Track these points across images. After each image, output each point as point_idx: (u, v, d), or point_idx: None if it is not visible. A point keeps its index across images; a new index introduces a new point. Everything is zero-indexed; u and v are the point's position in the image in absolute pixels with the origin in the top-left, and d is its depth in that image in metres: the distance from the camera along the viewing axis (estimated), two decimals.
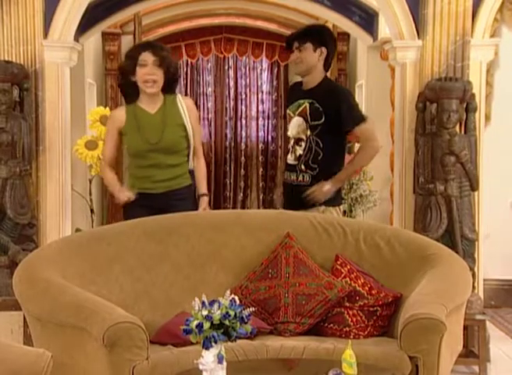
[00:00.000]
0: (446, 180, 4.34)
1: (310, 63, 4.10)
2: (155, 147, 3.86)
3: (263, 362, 2.89)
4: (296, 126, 4.11)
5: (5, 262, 4.29)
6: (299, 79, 4.32)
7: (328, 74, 4.34)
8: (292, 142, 4.13)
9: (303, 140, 4.07)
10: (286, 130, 4.31)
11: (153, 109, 3.91)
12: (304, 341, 3.07)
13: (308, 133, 4.06)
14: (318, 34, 4.15)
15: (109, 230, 3.61)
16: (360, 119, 4.08)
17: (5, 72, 4.28)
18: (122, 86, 3.99)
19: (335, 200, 4.14)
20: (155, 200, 3.87)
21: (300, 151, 4.08)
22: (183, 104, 3.99)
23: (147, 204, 3.83)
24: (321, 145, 4.04)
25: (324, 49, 4.11)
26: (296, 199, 4.09)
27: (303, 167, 4.08)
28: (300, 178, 4.09)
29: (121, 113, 3.94)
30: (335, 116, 4.02)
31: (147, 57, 3.83)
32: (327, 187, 4.01)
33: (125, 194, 3.82)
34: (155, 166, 3.90)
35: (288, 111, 4.22)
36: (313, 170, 4.06)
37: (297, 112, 4.11)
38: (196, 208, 3.99)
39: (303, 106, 4.09)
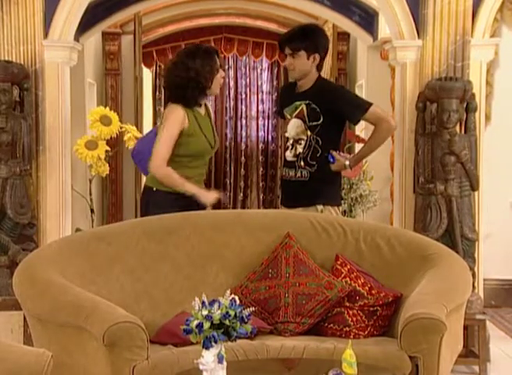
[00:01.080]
0: (446, 180, 4.34)
1: (303, 70, 4.10)
2: (213, 150, 3.98)
3: (263, 361, 2.89)
4: (294, 127, 4.12)
5: (5, 262, 4.30)
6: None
7: (329, 74, 4.36)
8: (291, 141, 4.14)
9: (303, 139, 4.09)
10: (285, 129, 4.30)
11: (202, 113, 3.95)
12: (304, 340, 3.07)
13: (308, 133, 4.07)
14: (311, 40, 4.10)
15: (109, 230, 3.61)
16: (365, 106, 4.09)
17: (5, 72, 4.29)
18: (200, 92, 3.85)
19: (334, 199, 4.16)
20: (194, 200, 3.86)
21: (300, 149, 4.10)
22: (209, 108, 4.07)
23: (187, 204, 3.79)
24: (321, 143, 4.06)
25: (317, 56, 4.09)
26: (295, 195, 4.13)
27: (302, 163, 4.09)
28: (299, 174, 4.10)
29: (183, 114, 3.83)
30: (334, 114, 4.04)
31: (218, 61, 3.87)
32: (347, 163, 4.09)
33: (214, 195, 3.82)
34: (204, 165, 4.01)
35: (285, 113, 4.21)
36: (311, 167, 4.08)
37: (294, 115, 4.12)
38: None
39: (300, 108, 4.10)
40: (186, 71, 3.81)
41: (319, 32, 4.28)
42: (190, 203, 3.81)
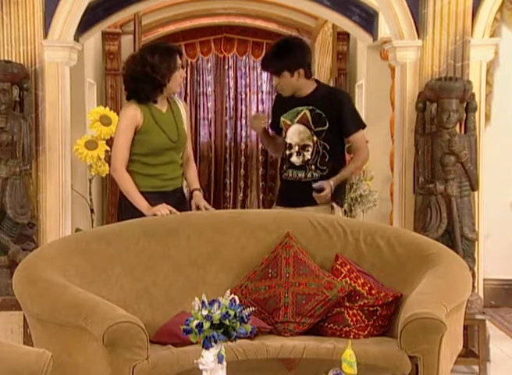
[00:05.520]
0: (445, 180, 4.34)
1: (292, 88, 4.05)
2: (175, 145, 3.87)
3: (263, 361, 2.90)
4: (297, 133, 4.06)
5: (5, 262, 4.30)
6: None
7: (328, 74, 4.34)
8: (297, 148, 4.07)
9: (309, 145, 4.05)
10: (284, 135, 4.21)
11: (163, 109, 3.91)
12: (304, 340, 3.07)
13: (315, 138, 4.03)
14: (290, 58, 3.99)
15: (109, 230, 3.61)
16: (362, 124, 4.14)
17: (5, 72, 4.29)
18: (155, 88, 3.81)
19: (342, 200, 4.21)
20: (166, 199, 3.79)
21: (307, 155, 4.04)
22: (182, 105, 4.01)
23: (157, 203, 3.72)
24: (328, 148, 4.04)
25: (301, 71, 4.01)
26: (305, 195, 4.03)
27: (312, 167, 4.06)
28: (309, 175, 4.06)
29: (137, 112, 3.82)
30: (337, 119, 4.02)
31: (179, 60, 3.85)
32: (331, 183, 4.00)
33: (166, 209, 3.65)
34: (169, 163, 3.88)
35: (282, 119, 4.13)
36: (322, 171, 4.05)
37: (296, 120, 4.06)
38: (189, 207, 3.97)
39: (301, 113, 4.04)
40: (143, 66, 3.79)
41: (296, 46, 4.10)
42: (164, 202, 3.72)
